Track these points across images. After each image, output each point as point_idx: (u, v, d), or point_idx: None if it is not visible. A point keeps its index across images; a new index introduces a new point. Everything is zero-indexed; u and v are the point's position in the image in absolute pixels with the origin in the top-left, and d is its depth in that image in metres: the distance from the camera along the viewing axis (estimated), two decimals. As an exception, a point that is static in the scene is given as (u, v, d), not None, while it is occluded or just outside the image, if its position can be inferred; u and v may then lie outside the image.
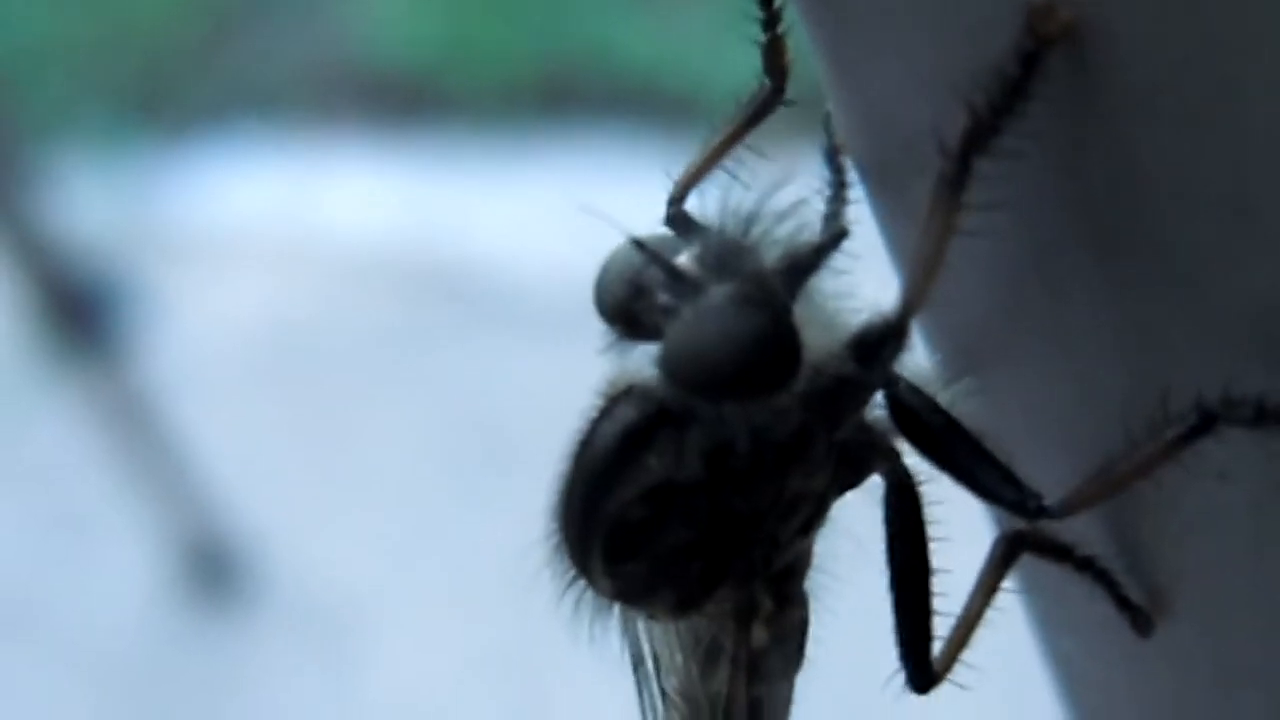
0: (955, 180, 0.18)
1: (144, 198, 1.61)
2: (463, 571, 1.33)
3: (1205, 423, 0.18)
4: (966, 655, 0.23)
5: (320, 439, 1.46)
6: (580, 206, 0.24)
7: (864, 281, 0.22)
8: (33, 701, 1.37)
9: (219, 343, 1.50)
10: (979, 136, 0.17)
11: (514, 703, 1.29)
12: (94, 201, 1.55)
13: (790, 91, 0.23)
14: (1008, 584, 0.22)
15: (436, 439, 1.43)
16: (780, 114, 0.23)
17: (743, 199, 0.23)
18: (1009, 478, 0.20)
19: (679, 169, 0.24)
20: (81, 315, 1.17)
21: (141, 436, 1.27)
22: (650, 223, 0.24)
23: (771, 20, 0.22)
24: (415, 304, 1.51)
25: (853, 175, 0.22)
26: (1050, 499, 0.20)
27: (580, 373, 0.24)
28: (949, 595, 0.23)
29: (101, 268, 1.22)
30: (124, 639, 1.40)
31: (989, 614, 0.23)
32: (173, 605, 1.39)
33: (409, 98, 1.64)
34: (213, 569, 1.38)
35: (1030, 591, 0.23)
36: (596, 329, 0.24)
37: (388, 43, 1.68)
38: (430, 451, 1.42)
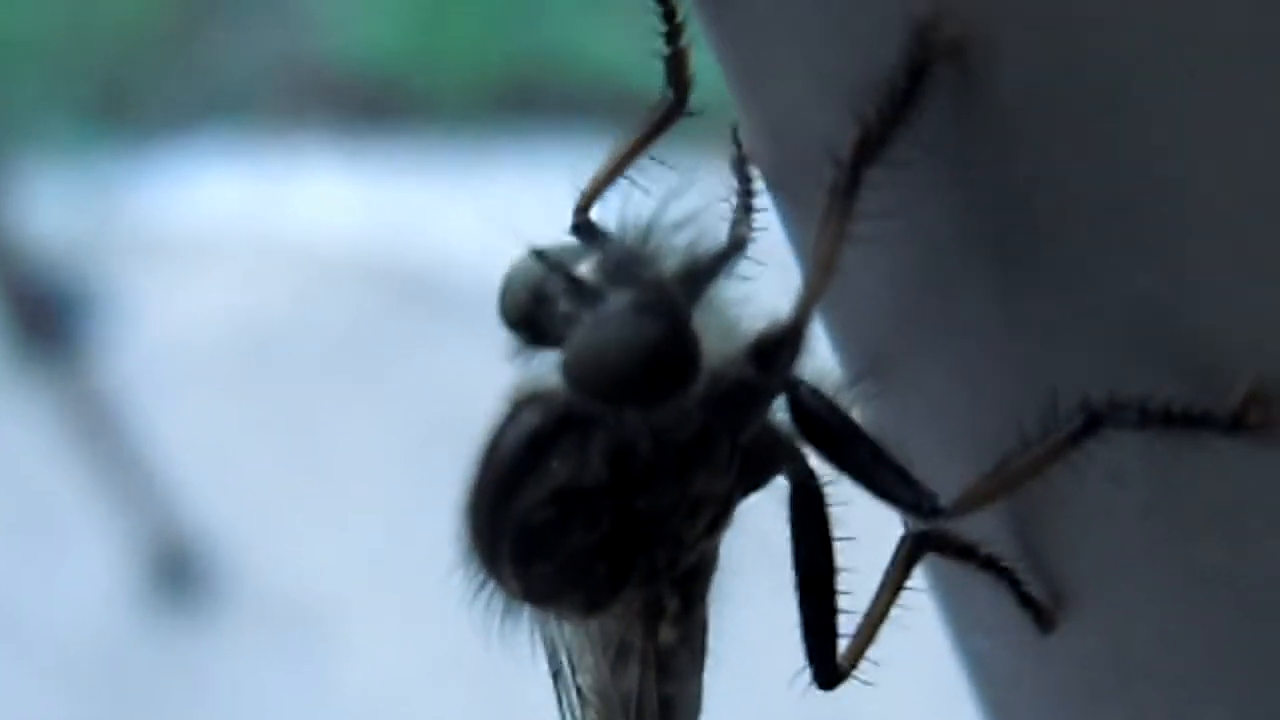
0: (847, 189, 0.18)
1: (109, 200, 1.61)
2: (431, 573, 1.32)
3: (1091, 424, 0.18)
4: (872, 652, 0.23)
5: (287, 441, 1.46)
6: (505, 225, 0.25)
7: (769, 288, 0.22)
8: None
9: (186, 346, 1.50)
10: (868, 146, 0.18)
11: (481, 703, 1.29)
12: (58, 203, 1.55)
13: (696, 102, 0.23)
14: (915, 582, 0.23)
15: (404, 440, 1.42)
16: (689, 122, 0.23)
17: (643, 208, 0.23)
18: (906, 479, 0.21)
19: (585, 177, 0.24)
20: (47, 318, 1.17)
21: (108, 439, 1.27)
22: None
23: (673, 33, 0.22)
24: (382, 307, 1.51)
25: (759, 183, 0.23)
26: (948, 500, 0.20)
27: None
28: (855, 594, 0.23)
29: (67, 270, 1.22)
30: (90, 641, 1.39)
31: (895, 612, 0.23)
32: (139, 607, 1.39)
33: (376, 100, 1.63)
34: (179, 571, 1.37)
35: (938, 590, 0.23)
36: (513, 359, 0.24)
37: (355, 45, 1.68)
38: (398, 453, 1.42)
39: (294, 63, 1.70)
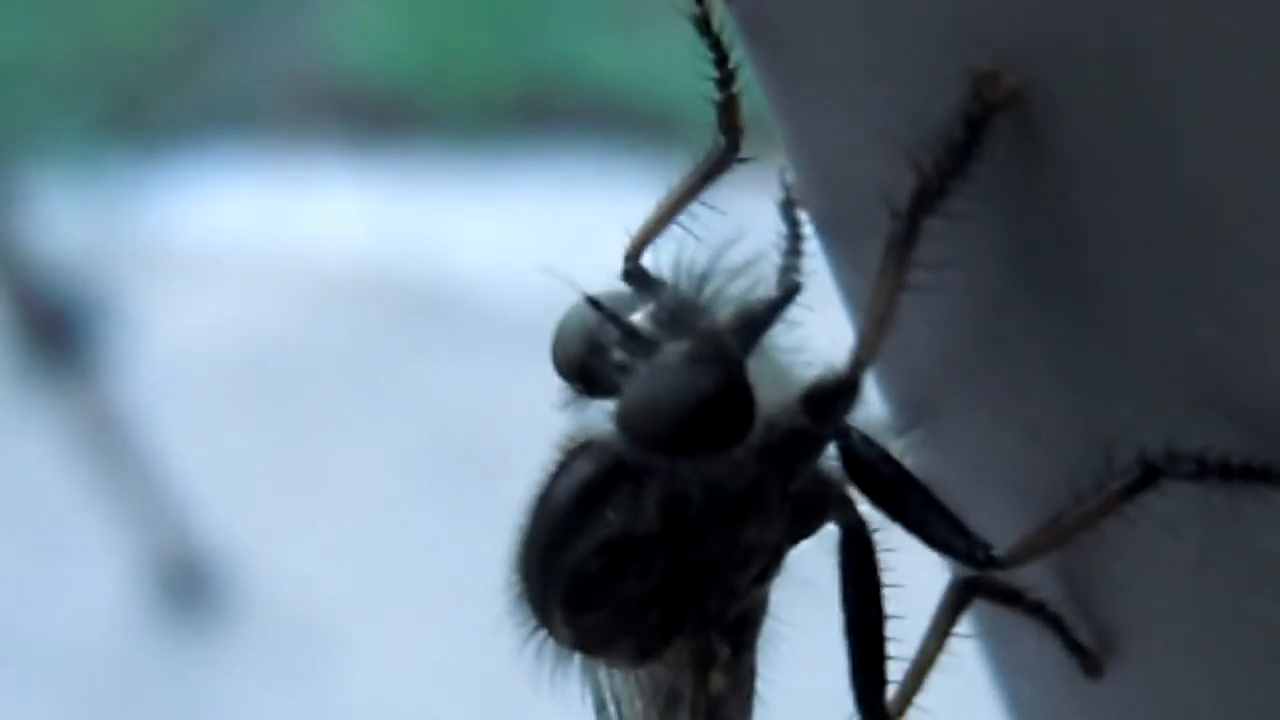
0: (904, 240, 0.18)
1: (118, 214, 1.61)
2: (434, 584, 1.32)
3: (1148, 477, 0.18)
4: (920, 698, 0.23)
5: (294, 455, 1.46)
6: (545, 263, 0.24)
7: (819, 333, 0.22)
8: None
9: (194, 359, 1.50)
10: (927, 198, 0.18)
11: (483, 711, 1.29)
12: (68, 217, 1.54)
13: (746, 148, 0.23)
14: (962, 628, 0.23)
15: (408, 454, 1.42)
16: (738, 169, 0.23)
17: (697, 256, 0.23)
18: (959, 528, 0.21)
19: (638, 223, 0.24)
20: (55, 332, 1.17)
21: (115, 453, 1.27)
22: (611, 256, 0.24)
23: (726, 80, 0.22)
24: (388, 320, 1.51)
25: (808, 229, 0.23)
26: (1000, 547, 0.20)
27: (551, 389, 0.24)
28: (903, 640, 0.23)
29: (75, 284, 1.22)
30: (98, 656, 1.39)
31: (942, 658, 0.23)
32: (147, 621, 1.39)
33: (384, 114, 1.63)
34: (187, 585, 1.37)
35: (984, 636, 0.23)
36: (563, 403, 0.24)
37: (364, 58, 1.68)
38: (402, 466, 1.42)
39: (302, 78, 1.70)
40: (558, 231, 1.50)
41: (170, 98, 1.71)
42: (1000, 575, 0.21)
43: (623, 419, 0.22)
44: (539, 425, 0.24)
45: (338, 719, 1.32)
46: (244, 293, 1.56)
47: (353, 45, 1.71)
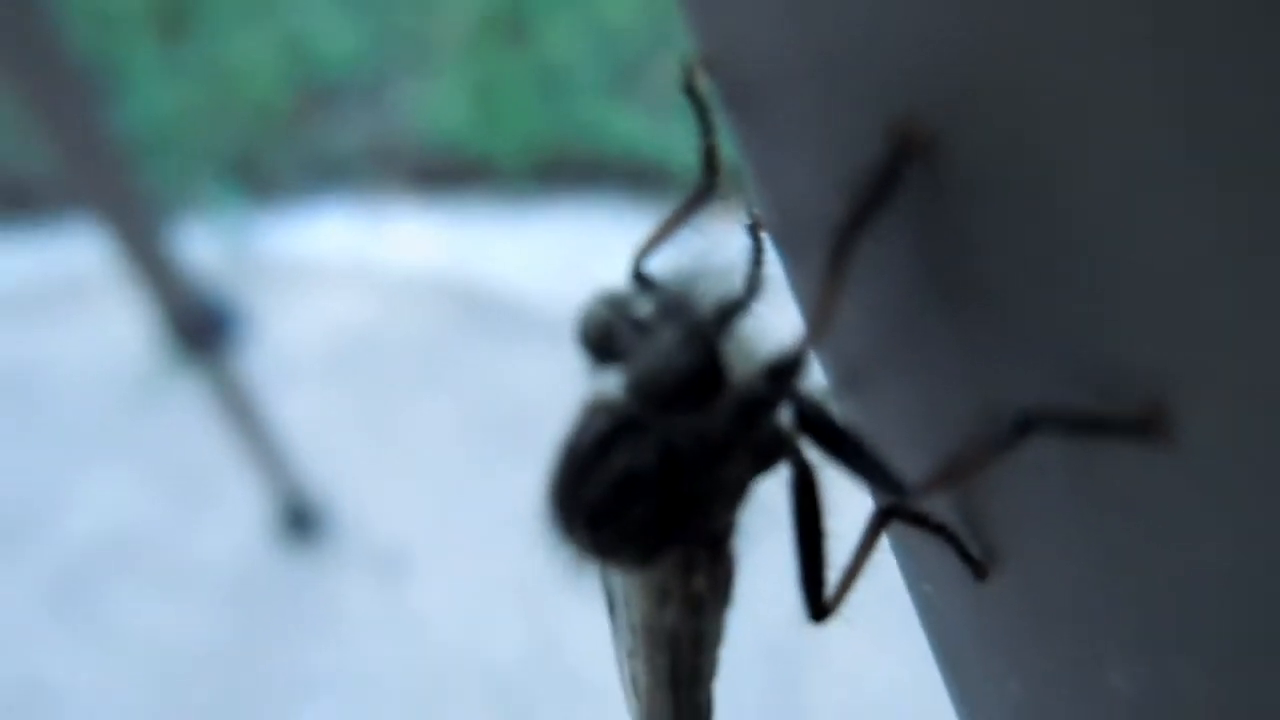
0: (839, 253, 0.18)
1: (246, 240, 1.61)
2: (486, 518, 1.33)
3: (1024, 428, 0.18)
4: (852, 596, 0.23)
5: (378, 420, 1.46)
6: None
7: (776, 323, 0.22)
8: (163, 619, 1.37)
9: (302, 348, 1.50)
10: (857, 223, 0.18)
11: (527, 619, 1.30)
12: (209, 243, 1.55)
13: (723, 185, 0.23)
14: (883, 544, 0.23)
15: (464, 420, 1.43)
16: (716, 201, 0.23)
17: (686, 264, 0.23)
18: (881, 467, 0.21)
19: (641, 239, 0.24)
20: (200, 327, 1.17)
21: (246, 417, 1.27)
22: (619, 269, 0.24)
23: (707, 133, 0.22)
24: (450, 321, 1.51)
25: (768, 246, 0.23)
26: (911, 481, 0.20)
27: (573, 376, 0.24)
28: (839, 551, 0.23)
29: (215, 292, 1.22)
30: (237, 572, 1.40)
31: (867, 566, 0.23)
32: (272, 546, 1.40)
33: (446, 165, 1.63)
34: (301, 519, 1.38)
35: (899, 549, 0.23)
36: (585, 373, 0.24)
37: (431, 123, 1.68)
38: (459, 430, 1.42)
39: (384, 136, 1.70)
40: (578, 254, 1.51)
41: (286, 154, 1.71)
42: (911, 503, 0.21)
43: (629, 384, 0.22)
44: (562, 400, 0.24)
45: (412, 618, 1.32)
46: (339, 299, 1.56)
47: (423, 113, 1.71)
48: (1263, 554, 0.17)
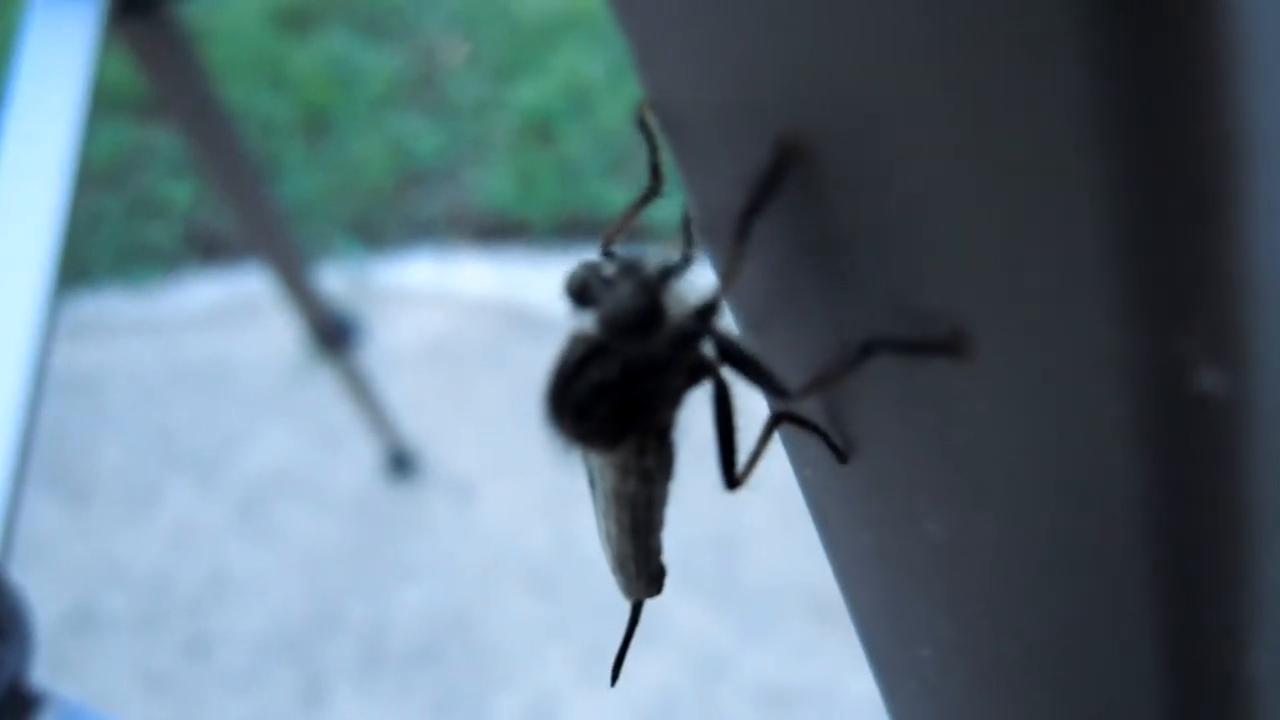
0: (740, 235, 0.18)
1: (363, 275, 1.60)
2: (525, 464, 1.32)
3: (868, 350, 0.17)
4: (753, 475, 0.23)
5: (454, 399, 1.45)
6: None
7: (702, 281, 0.22)
8: (311, 528, 1.36)
9: (402, 349, 1.49)
10: (751, 212, 0.17)
11: (552, 525, 1.29)
12: (336, 279, 1.54)
13: (664, 189, 0.23)
14: (775, 438, 0.22)
15: (513, 399, 1.42)
16: (662, 203, 0.23)
17: (636, 247, 0.23)
18: (773, 379, 0.20)
19: (608, 227, 0.24)
20: (331, 335, 1.17)
21: (364, 393, 1.27)
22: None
23: (652, 151, 0.22)
24: (502, 331, 1.51)
25: (695, 227, 0.22)
26: (793, 390, 0.20)
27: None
28: (744, 438, 0.23)
29: (343, 310, 1.21)
30: (356, 495, 1.39)
31: (765, 453, 0.22)
32: (380, 478, 1.39)
33: (498, 225, 1.63)
34: (399, 460, 1.38)
35: (787, 441, 0.23)
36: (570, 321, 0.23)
37: (487, 198, 1.68)
38: (508, 405, 1.41)
39: (456, 206, 1.70)
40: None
41: (389, 216, 1.71)
42: (796, 409, 0.21)
43: (599, 321, 0.22)
44: None
45: (474, 526, 1.32)
46: (426, 316, 1.55)
47: (483, 190, 1.71)
48: (1031, 433, 0.17)
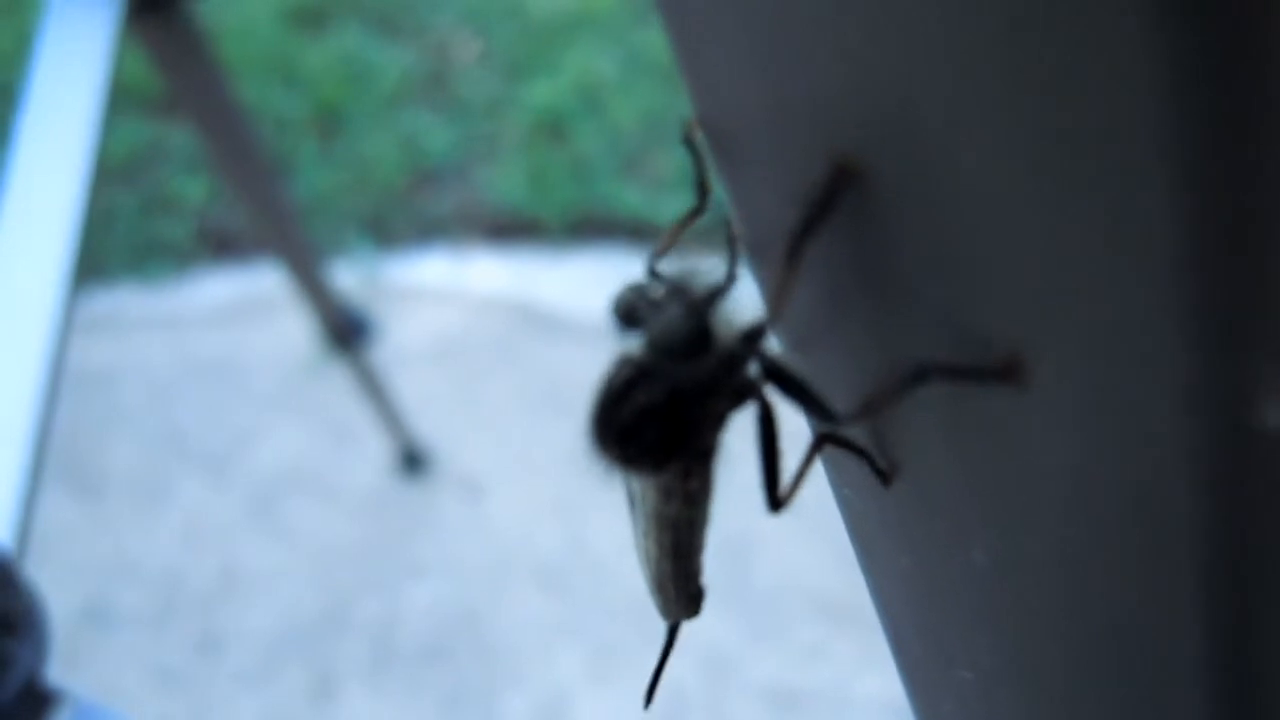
0: (792, 257, 0.17)
1: (375, 273, 1.60)
2: (535, 461, 1.32)
3: (920, 376, 0.17)
4: (797, 495, 0.22)
5: (464, 395, 1.45)
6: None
7: (749, 304, 0.22)
8: (322, 524, 1.36)
9: (414, 346, 1.49)
10: (804, 233, 0.17)
11: (563, 524, 1.29)
12: (349, 275, 1.54)
13: (709, 205, 0.22)
14: (819, 460, 0.22)
15: (525, 395, 1.42)
16: (705, 219, 0.22)
17: (683, 265, 0.22)
18: (820, 402, 0.20)
19: (655, 247, 0.23)
20: (344, 331, 1.17)
21: (376, 390, 1.27)
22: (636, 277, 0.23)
23: (699, 169, 0.21)
24: (513, 328, 1.50)
25: (742, 248, 0.22)
26: (840, 414, 0.19)
27: (593, 364, 0.23)
28: (788, 462, 0.22)
29: (355, 307, 1.21)
30: (367, 491, 1.39)
31: (809, 474, 0.22)
32: (391, 475, 1.39)
33: (510, 224, 1.63)
34: (410, 457, 1.37)
35: (829, 463, 0.22)
36: (612, 342, 0.23)
37: (499, 196, 1.67)
38: (519, 402, 1.41)
39: (468, 205, 1.69)
40: (597, 284, 1.50)
41: (401, 214, 1.71)
42: (841, 432, 0.20)
43: (646, 344, 0.21)
44: (586, 380, 0.23)
45: (485, 524, 1.32)
46: (438, 313, 1.55)
47: (494, 188, 1.71)
48: (1086, 461, 0.16)
